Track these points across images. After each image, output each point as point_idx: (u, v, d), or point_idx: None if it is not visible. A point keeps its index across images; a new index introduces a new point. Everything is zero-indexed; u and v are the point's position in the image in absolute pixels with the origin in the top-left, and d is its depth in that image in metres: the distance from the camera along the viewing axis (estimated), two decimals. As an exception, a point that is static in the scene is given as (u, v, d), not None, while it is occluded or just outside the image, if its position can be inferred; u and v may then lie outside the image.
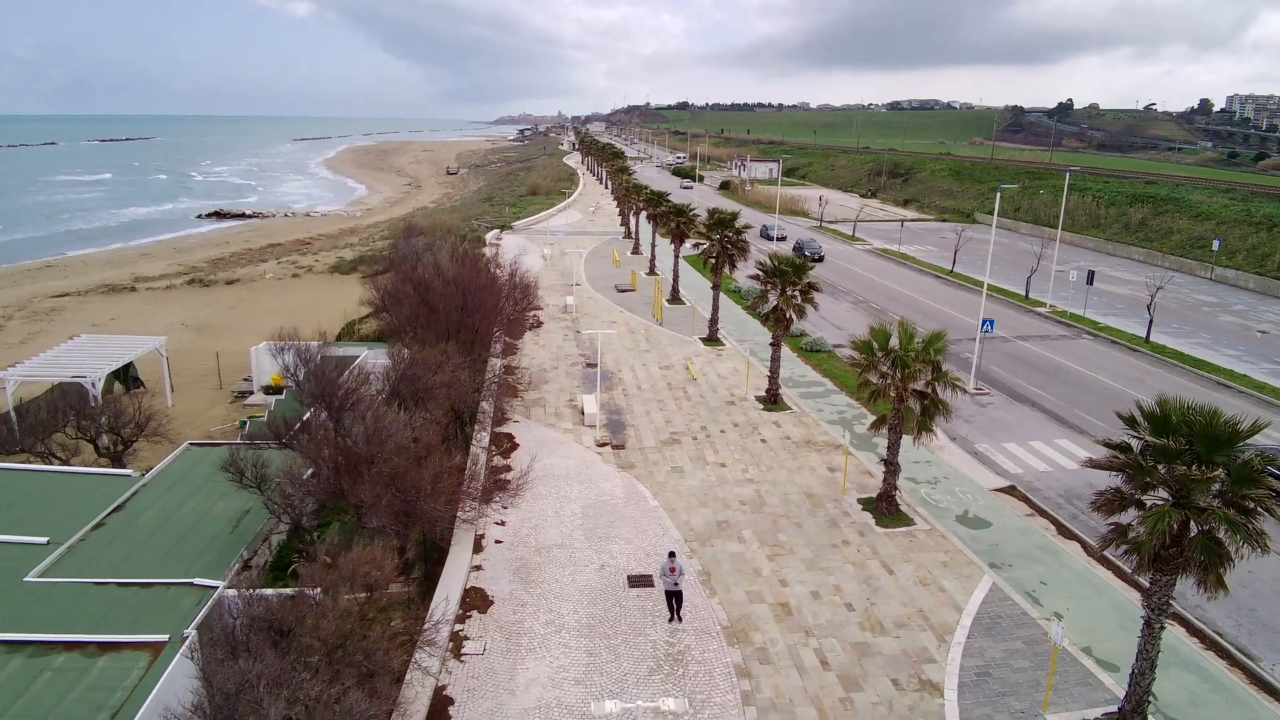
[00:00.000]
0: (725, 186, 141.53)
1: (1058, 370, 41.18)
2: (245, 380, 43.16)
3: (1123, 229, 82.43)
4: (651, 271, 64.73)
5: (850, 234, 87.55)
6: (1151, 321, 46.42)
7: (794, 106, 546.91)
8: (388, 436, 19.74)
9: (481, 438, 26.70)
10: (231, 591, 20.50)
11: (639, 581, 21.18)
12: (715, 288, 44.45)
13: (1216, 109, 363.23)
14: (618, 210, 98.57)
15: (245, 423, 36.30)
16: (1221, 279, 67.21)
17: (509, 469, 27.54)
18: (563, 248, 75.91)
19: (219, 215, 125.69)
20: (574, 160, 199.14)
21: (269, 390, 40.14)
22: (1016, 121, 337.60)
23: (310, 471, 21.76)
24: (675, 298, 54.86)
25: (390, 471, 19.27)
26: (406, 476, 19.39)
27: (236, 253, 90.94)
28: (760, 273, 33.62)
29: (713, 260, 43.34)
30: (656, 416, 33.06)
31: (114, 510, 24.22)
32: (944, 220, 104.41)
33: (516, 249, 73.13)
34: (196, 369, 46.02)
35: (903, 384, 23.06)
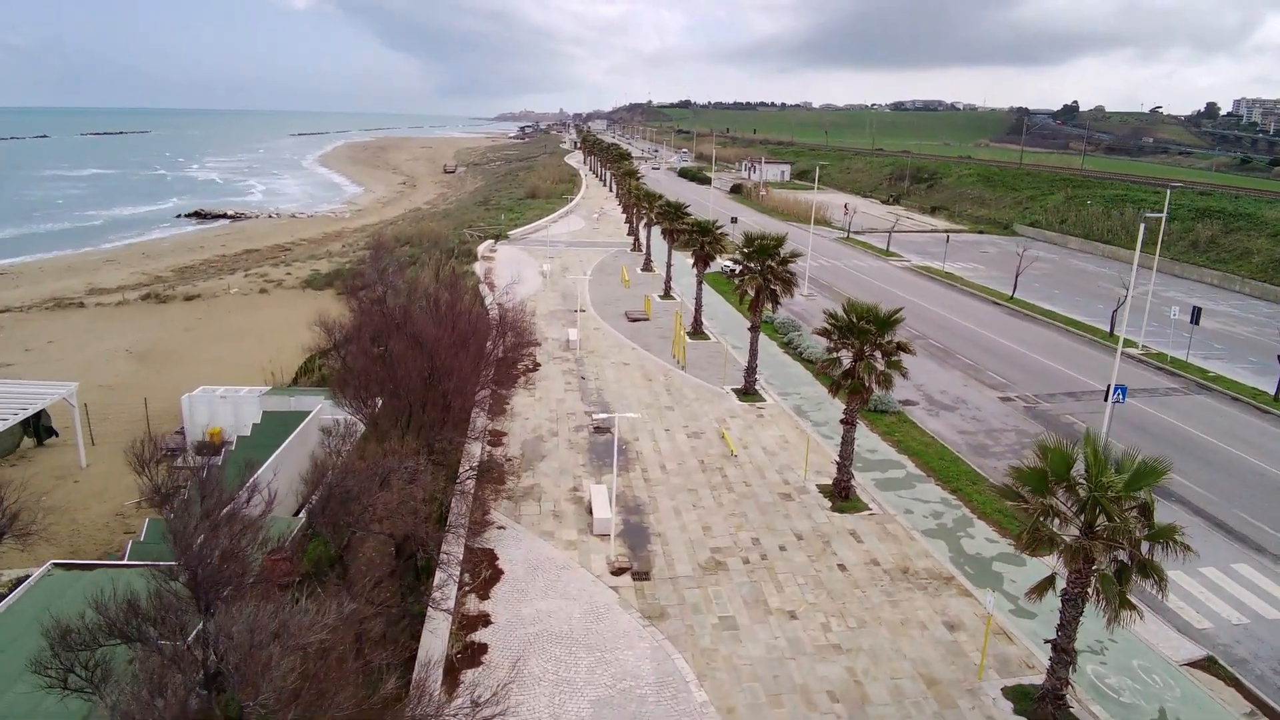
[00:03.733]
0: (737, 190, 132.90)
1: (1187, 443, 32.65)
2: (177, 433, 35.80)
3: (1189, 248, 73.81)
4: (667, 294, 56.32)
5: (884, 248, 78.86)
6: (1284, 375, 38.20)
7: (797, 105, 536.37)
8: (267, 666, 11.51)
9: (443, 606, 17.90)
10: None
11: None
12: (754, 329, 35.88)
13: (1222, 112, 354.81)
14: (624, 218, 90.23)
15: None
16: (1317, 309, 58.81)
17: (486, 621, 19.25)
18: (564, 262, 67.53)
19: (199, 216, 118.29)
20: (576, 160, 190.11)
21: (203, 449, 32.81)
22: (1019, 123, 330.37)
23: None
24: (697, 330, 46.50)
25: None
26: (299, 734, 11.19)
27: (209, 259, 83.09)
28: (829, 328, 25.30)
29: (750, 295, 34.89)
30: (689, 519, 24.72)
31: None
32: (980, 232, 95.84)
33: (512, 266, 64.74)
34: (128, 413, 38.33)
35: (1101, 544, 14.72)
